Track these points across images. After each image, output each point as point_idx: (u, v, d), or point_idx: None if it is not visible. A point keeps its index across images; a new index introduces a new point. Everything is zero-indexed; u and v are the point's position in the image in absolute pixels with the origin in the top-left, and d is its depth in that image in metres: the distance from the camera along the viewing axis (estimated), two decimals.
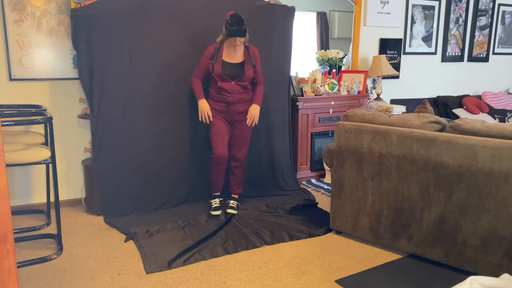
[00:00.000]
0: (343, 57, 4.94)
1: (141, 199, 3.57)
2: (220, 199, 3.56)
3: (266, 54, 3.96)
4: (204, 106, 3.36)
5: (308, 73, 4.54)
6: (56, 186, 2.80)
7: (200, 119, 3.39)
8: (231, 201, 3.54)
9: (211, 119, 3.36)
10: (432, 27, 5.48)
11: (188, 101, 3.66)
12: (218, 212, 3.43)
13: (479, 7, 5.84)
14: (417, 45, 5.43)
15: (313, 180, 4.47)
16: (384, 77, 5.02)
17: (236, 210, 3.48)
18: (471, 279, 1.44)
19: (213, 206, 3.47)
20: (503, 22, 6.14)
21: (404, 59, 5.35)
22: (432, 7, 5.43)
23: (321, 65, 4.87)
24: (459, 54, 5.85)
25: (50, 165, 2.77)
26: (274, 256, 2.84)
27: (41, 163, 2.69)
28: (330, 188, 4.09)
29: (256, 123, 3.45)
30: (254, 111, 3.41)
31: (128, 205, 3.51)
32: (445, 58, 5.71)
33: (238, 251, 2.89)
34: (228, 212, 3.45)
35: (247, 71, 3.35)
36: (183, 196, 3.72)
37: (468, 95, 5.89)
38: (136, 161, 3.55)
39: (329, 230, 3.22)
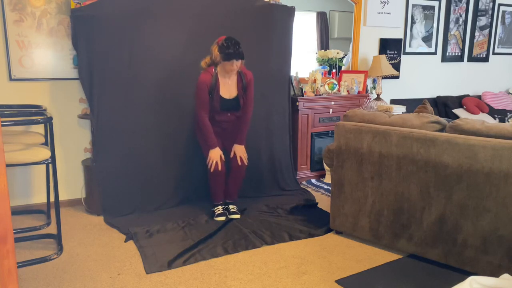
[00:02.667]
0: (343, 57, 4.94)
1: (141, 199, 3.57)
2: (223, 206, 3.51)
3: (266, 54, 3.97)
4: (216, 155, 3.26)
5: (308, 73, 4.54)
6: (56, 186, 2.80)
7: (208, 164, 3.29)
8: (231, 206, 3.51)
9: (219, 168, 3.26)
10: (432, 27, 5.48)
11: (188, 101, 3.66)
12: (223, 218, 3.39)
13: (479, 7, 5.84)
14: (417, 45, 5.43)
15: (313, 180, 4.47)
16: (384, 77, 5.02)
17: (238, 214, 3.46)
18: (471, 279, 1.44)
19: (216, 213, 3.43)
20: (503, 22, 6.14)
21: (404, 59, 5.35)
22: (432, 7, 5.43)
23: (321, 65, 4.87)
24: (459, 54, 5.85)
25: (50, 165, 2.77)
26: (274, 256, 2.84)
27: (41, 163, 2.69)
28: (330, 188, 4.08)
29: (246, 161, 3.38)
30: (241, 151, 3.36)
31: (128, 205, 3.51)
32: (445, 58, 5.71)
33: (238, 251, 2.89)
34: (232, 218, 3.42)
35: (242, 105, 3.33)
36: (183, 196, 3.72)
37: (468, 95, 5.89)
38: (136, 161, 3.55)
39: (329, 230, 3.22)
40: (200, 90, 3.19)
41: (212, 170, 3.27)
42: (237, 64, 3.11)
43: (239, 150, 3.39)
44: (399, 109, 4.72)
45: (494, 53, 6.18)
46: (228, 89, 3.27)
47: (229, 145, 3.44)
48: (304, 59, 4.92)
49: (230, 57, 3.05)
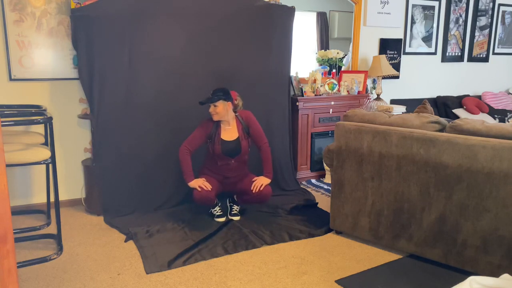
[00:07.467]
0: (343, 57, 4.94)
1: (141, 199, 3.57)
2: (219, 204, 3.50)
3: (266, 54, 3.97)
4: (196, 183, 3.19)
5: (308, 73, 4.54)
6: (56, 186, 2.79)
7: (199, 189, 3.17)
8: (235, 207, 3.51)
9: (208, 186, 3.18)
10: (432, 27, 5.48)
11: (188, 101, 3.66)
12: (223, 219, 3.38)
13: (479, 7, 5.84)
14: (417, 45, 5.43)
15: (313, 180, 4.47)
16: (384, 77, 5.02)
17: (239, 216, 3.45)
18: (471, 279, 1.44)
19: (216, 214, 3.42)
20: (503, 22, 6.14)
21: (404, 59, 5.34)
22: (432, 7, 5.43)
23: (321, 65, 4.87)
24: (459, 54, 5.84)
25: (50, 165, 2.76)
26: (274, 256, 2.84)
27: (41, 163, 2.69)
28: (330, 188, 4.08)
29: (261, 190, 3.26)
30: (264, 180, 3.29)
31: (128, 205, 3.51)
32: (445, 58, 5.71)
33: (238, 251, 2.89)
34: (232, 219, 3.41)
35: (243, 147, 3.33)
36: (183, 196, 3.72)
37: (468, 95, 5.89)
38: (136, 161, 3.55)
39: (329, 230, 3.22)
40: (199, 126, 3.31)
41: (201, 191, 3.17)
42: (215, 109, 3.20)
43: (263, 179, 3.31)
44: (399, 109, 4.72)
45: (494, 53, 6.18)
46: (228, 133, 3.33)
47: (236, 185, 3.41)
48: (304, 59, 4.91)
49: (203, 102, 3.20)
